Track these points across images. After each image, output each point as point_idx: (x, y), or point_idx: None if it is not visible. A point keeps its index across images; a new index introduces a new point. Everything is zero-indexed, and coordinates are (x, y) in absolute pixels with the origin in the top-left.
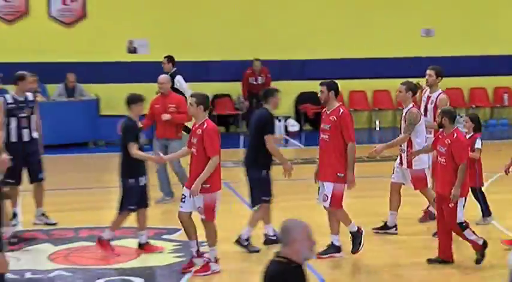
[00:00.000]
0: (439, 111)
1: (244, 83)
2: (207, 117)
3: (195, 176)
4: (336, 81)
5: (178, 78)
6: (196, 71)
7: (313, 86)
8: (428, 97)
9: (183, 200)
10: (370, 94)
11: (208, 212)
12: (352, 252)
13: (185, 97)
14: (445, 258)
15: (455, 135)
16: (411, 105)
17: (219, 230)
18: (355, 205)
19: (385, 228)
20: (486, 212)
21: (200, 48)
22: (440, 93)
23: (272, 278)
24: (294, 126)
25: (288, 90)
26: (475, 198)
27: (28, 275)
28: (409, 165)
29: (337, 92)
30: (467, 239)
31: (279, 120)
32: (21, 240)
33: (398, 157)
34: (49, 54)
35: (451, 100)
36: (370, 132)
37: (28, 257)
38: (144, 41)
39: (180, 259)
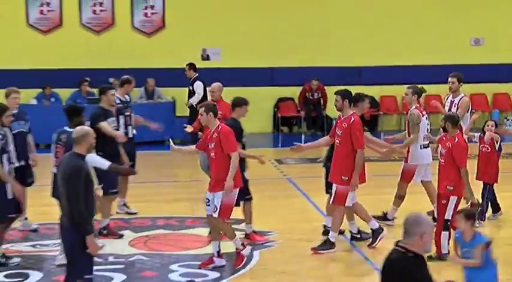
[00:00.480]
0: (443, 116)
1: (301, 96)
2: (219, 123)
3: (215, 178)
4: (390, 86)
5: (198, 83)
6: (263, 76)
7: (368, 90)
8: (452, 101)
9: (207, 203)
10: (422, 98)
11: (225, 211)
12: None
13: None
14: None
15: (456, 139)
16: (414, 107)
17: (282, 222)
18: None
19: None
20: (483, 213)
21: (266, 55)
22: (462, 97)
23: (392, 265)
24: None
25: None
26: (482, 194)
27: (111, 259)
28: (406, 160)
29: (350, 101)
30: (438, 239)
31: None
32: (111, 233)
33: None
34: (132, 60)
35: (500, 104)
36: None
37: (111, 242)
38: (217, 49)
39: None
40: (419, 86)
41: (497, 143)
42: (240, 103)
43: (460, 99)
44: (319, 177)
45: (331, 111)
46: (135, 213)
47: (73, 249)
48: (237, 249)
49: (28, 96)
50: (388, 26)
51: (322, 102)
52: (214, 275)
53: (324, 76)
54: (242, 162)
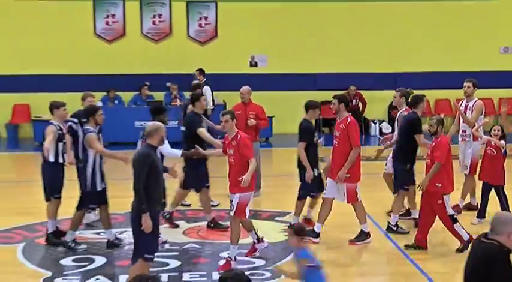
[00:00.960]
0: (433, 121)
1: None
2: (237, 130)
3: (234, 181)
4: (424, 91)
5: (206, 88)
6: (306, 81)
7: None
8: (466, 105)
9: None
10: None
11: (240, 210)
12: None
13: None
14: (420, 244)
15: (439, 139)
16: (404, 109)
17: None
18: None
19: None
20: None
21: (309, 62)
22: (476, 101)
23: (487, 256)
24: (387, 128)
25: (382, 98)
26: (482, 193)
27: (167, 246)
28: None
29: (346, 104)
30: (455, 232)
31: (375, 123)
32: (171, 221)
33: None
34: (187, 67)
35: None
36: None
37: (167, 231)
38: (264, 56)
39: None
40: (408, 89)
41: (503, 148)
42: (313, 106)
43: (474, 103)
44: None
45: (368, 114)
46: (189, 205)
47: (137, 230)
48: (229, 257)
49: (94, 98)
50: (422, 36)
51: (361, 107)
52: (261, 262)
53: (362, 82)
54: (314, 160)
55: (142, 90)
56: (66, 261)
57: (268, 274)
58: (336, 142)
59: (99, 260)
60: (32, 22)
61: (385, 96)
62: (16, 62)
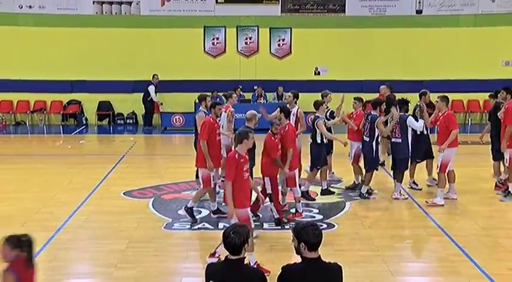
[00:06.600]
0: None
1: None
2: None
3: None
4: (444, 93)
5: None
6: (356, 86)
7: (432, 97)
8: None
9: None
10: (466, 102)
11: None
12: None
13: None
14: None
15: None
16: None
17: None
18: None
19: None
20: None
21: (358, 72)
22: (298, 109)
23: None
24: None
25: (414, 100)
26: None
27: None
28: None
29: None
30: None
31: None
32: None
33: None
34: (269, 74)
35: None
36: (465, 127)
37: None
38: (325, 67)
39: (341, 199)
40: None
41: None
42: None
43: (297, 110)
44: None
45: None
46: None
47: None
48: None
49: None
50: (443, 53)
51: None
52: (319, 217)
53: (397, 86)
54: None
55: (236, 91)
56: (182, 211)
57: (324, 225)
58: None
59: (205, 212)
60: (166, 44)
61: (414, 97)
62: (161, 71)
